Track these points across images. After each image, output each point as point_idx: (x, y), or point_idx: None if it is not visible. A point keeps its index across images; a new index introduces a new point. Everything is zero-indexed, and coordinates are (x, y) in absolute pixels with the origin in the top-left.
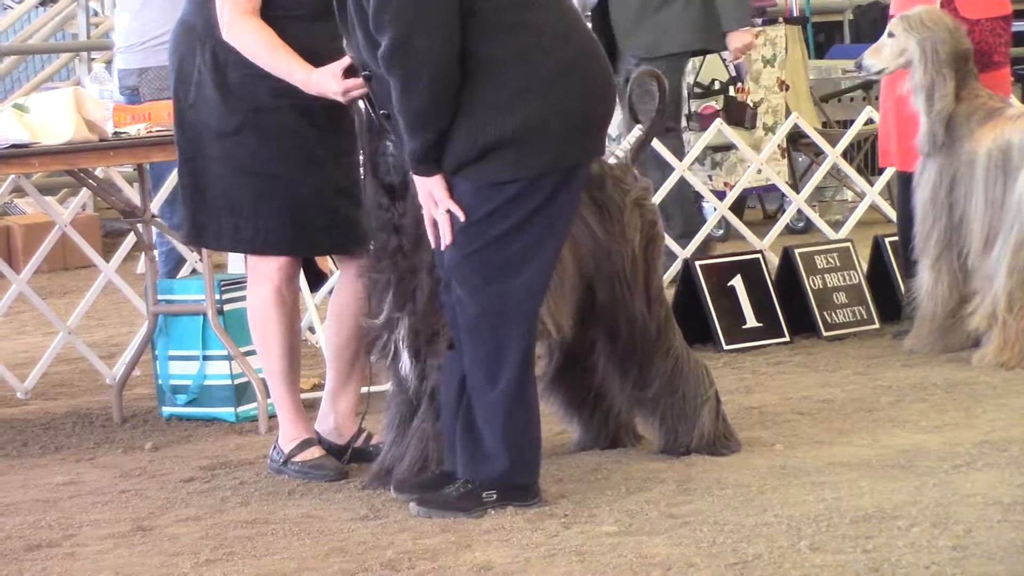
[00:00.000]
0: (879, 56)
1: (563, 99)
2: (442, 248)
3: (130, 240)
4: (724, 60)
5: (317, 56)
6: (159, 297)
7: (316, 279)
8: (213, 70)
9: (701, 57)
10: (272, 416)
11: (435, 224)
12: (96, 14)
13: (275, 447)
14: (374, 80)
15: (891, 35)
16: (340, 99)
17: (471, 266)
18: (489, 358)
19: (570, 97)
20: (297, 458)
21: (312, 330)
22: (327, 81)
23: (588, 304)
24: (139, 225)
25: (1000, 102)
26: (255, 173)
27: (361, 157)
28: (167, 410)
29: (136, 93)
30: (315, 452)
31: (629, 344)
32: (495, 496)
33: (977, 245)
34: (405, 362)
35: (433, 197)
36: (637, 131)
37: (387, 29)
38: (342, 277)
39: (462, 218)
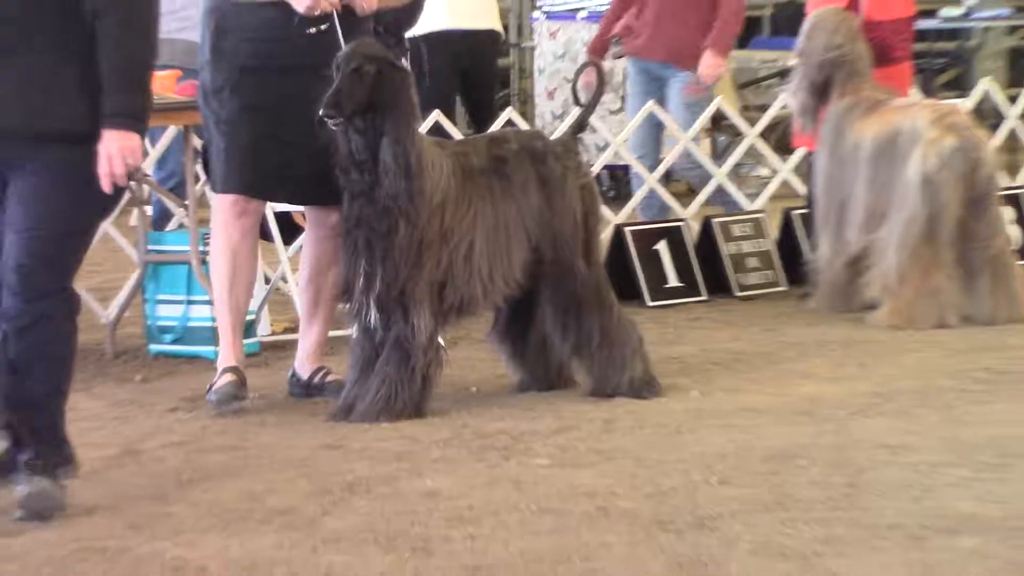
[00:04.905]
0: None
1: None
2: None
3: (125, 196)
4: None
5: None
6: (149, 247)
7: (291, 231)
8: (214, 36)
9: None
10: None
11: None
12: None
13: None
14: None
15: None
16: (301, 11)
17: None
18: None
19: None
20: (215, 384)
21: (284, 279)
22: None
23: (535, 264)
24: (132, 183)
25: (885, 95)
26: (227, 122)
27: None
28: (155, 347)
29: None
30: (226, 378)
31: (571, 299)
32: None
33: (859, 222)
34: (373, 314)
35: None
36: (576, 112)
37: None
38: (307, 228)
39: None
